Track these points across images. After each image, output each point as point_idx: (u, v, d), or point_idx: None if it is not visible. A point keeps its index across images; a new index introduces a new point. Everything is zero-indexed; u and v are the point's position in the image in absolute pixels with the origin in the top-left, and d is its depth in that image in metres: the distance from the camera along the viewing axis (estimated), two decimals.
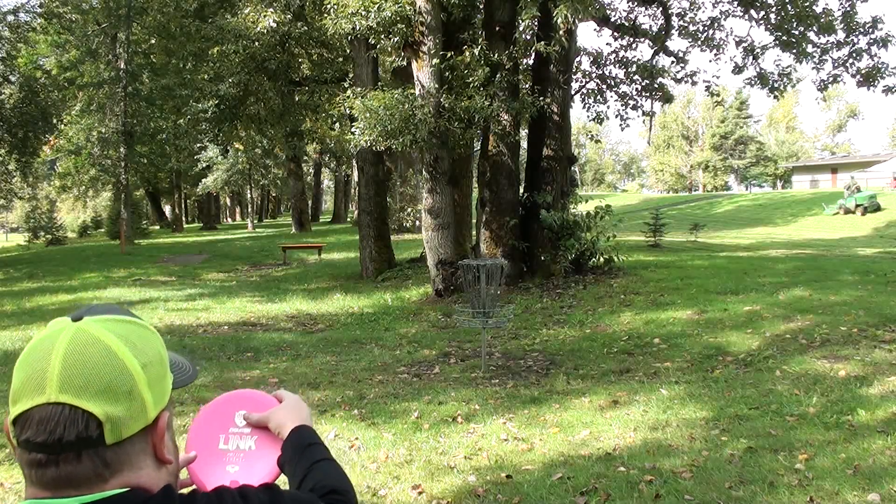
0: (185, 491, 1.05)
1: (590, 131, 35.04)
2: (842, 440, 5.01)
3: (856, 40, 15.38)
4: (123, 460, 0.92)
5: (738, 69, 17.14)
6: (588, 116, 18.76)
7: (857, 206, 32.12)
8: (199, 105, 20.10)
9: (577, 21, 13.00)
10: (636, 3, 16.94)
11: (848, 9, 15.13)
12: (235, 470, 1.25)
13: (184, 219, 50.92)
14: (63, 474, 0.88)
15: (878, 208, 32.09)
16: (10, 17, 24.68)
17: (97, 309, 1.00)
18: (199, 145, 35.94)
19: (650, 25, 17.27)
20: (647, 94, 17.88)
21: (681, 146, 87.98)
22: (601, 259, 14.06)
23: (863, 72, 15.47)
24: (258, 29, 16.03)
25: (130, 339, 0.96)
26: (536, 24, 13.71)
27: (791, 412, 5.68)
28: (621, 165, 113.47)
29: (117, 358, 0.92)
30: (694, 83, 18.29)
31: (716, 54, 17.43)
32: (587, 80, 17.92)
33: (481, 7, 14.42)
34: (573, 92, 16.32)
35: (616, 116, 18.71)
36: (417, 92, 12.62)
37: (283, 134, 26.03)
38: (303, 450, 1.23)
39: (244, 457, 1.29)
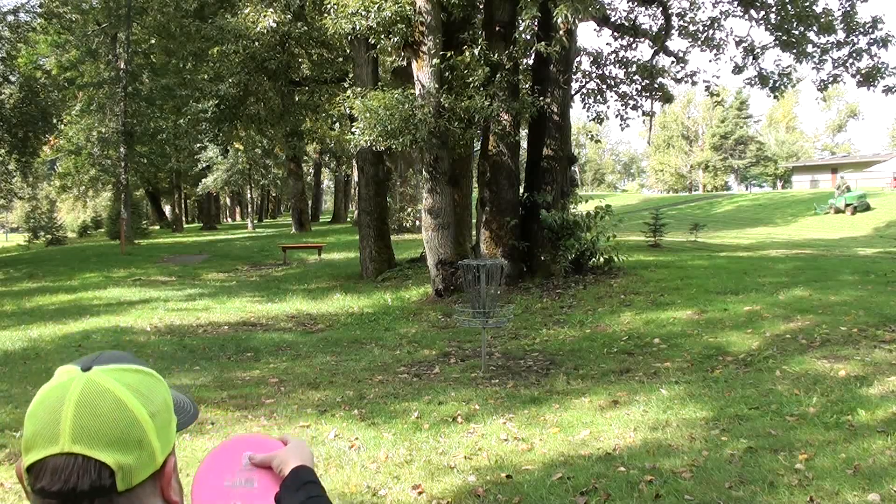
0: None
1: (590, 131, 35.05)
2: (842, 440, 5.01)
3: (856, 40, 15.36)
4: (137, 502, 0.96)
5: (738, 69, 17.12)
6: (588, 116, 18.76)
7: (847, 205, 32.40)
8: (199, 105, 20.10)
9: (577, 21, 13.00)
10: (636, 3, 16.93)
11: (848, 9, 15.12)
12: None
13: (184, 219, 50.93)
14: None
15: (867, 208, 32.33)
16: (10, 17, 24.68)
17: (105, 358, 1.01)
18: (199, 145, 35.94)
19: (650, 25, 17.27)
20: (647, 94, 17.88)
21: (681, 146, 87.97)
22: (601, 259, 14.06)
23: (863, 72, 15.46)
24: (258, 29, 16.03)
25: (139, 390, 0.98)
26: (536, 24, 13.71)
27: (791, 412, 5.68)
28: (621, 165, 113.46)
29: (127, 409, 0.95)
30: (694, 83, 18.28)
31: (716, 54, 17.42)
32: (587, 80, 17.91)
33: (481, 7, 14.42)
34: (573, 92, 16.31)
35: (616, 116, 18.74)
36: (417, 92, 12.62)
37: (283, 134, 26.01)
38: (299, 486, 1.27)
39: (247, 494, 1.34)
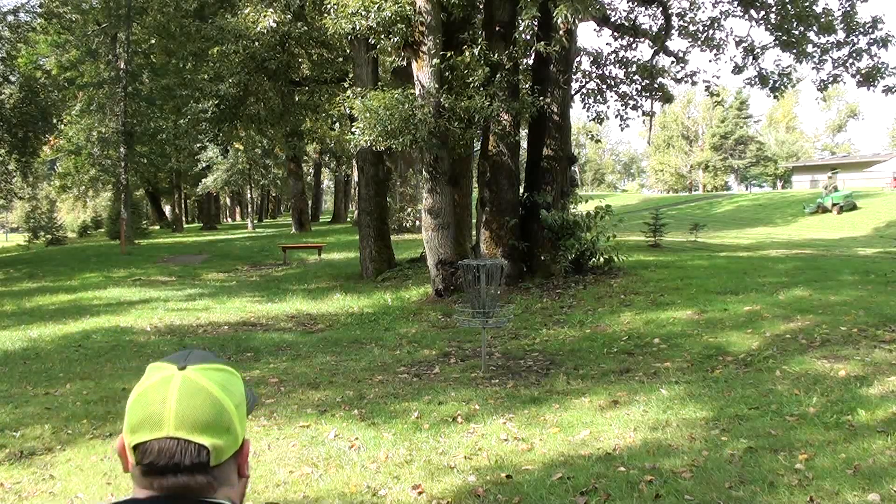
0: None
1: (590, 131, 35.09)
2: (842, 440, 5.01)
3: (856, 40, 15.36)
4: (223, 476, 1.19)
5: (738, 69, 17.12)
6: (588, 116, 18.76)
7: (834, 204, 32.72)
8: (199, 105, 20.09)
9: (577, 21, 13.01)
10: (636, 3, 16.93)
11: (848, 9, 15.11)
12: None
13: (184, 219, 50.92)
14: (180, 483, 1.14)
15: (853, 207, 32.67)
16: (10, 17, 24.68)
17: (195, 357, 1.22)
18: (198, 145, 35.92)
19: (650, 25, 17.27)
20: (647, 94, 17.88)
21: (681, 146, 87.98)
22: (601, 259, 14.05)
23: (863, 72, 15.45)
24: (258, 29, 16.02)
25: (224, 385, 1.20)
26: (536, 24, 13.70)
27: (791, 412, 5.68)
28: (621, 165, 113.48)
29: (218, 402, 1.17)
30: (694, 83, 18.27)
31: (716, 54, 17.41)
32: (587, 79, 17.91)
33: (481, 7, 14.42)
34: (573, 92, 16.30)
35: (616, 116, 18.69)
36: (417, 92, 12.62)
37: (283, 134, 26.02)
38: None
39: None
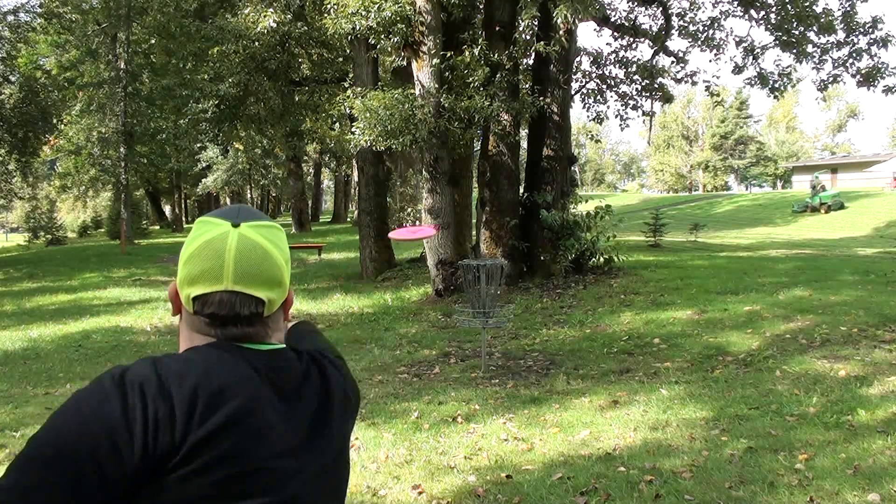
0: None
1: (590, 131, 35.08)
2: (842, 440, 5.01)
3: (856, 40, 15.37)
4: (274, 323, 1.31)
5: (738, 69, 17.13)
6: (588, 116, 18.76)
7: (822, 204, 33.26)
8: (199, 105, 20.09)
9: (576, 21, 13.00)
10: (636, 3, 16.94)
11: (848, 9, 15.13)
12: None
13: (184, 219, 50.88)
14: (241, 331, 1.24)
15: (841, 206, 33.20)
16: (10, 17, 24.67)
17: (246, 212, 1.30)
18: (199, 145, 35.92)
19: (650, 25, 17.28)
20: (647, 94, 17.88)
21: (681, 146, 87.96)
22: (601, 259, 14.05)
23: (863, 72, 15.47)
24: (258, 29, 16.01)
25: (276, 242, 1.28)
26: (536, 24, 13.70)
27: (791, 412, 5.68)
28: (621, 165, 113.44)
29: (272, 257, 1.26)
30: (694, 83, 18.29)
31: (716, 54, 17.43)
32: (587, 80, 17.92)
33: (481, 7, 14.42)
34: (573, 92, 16.30)
35: (616, 116, 18.74)
36: (417, 92, 12.61)
37: (283, 134, 25.99)
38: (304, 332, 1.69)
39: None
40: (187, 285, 1.23)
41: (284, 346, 1.31)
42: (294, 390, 1.27)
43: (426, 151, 12.83)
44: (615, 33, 17.17)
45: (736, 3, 16.37)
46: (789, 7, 15.14)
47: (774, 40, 15.98)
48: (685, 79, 18.12)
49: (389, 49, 13.14)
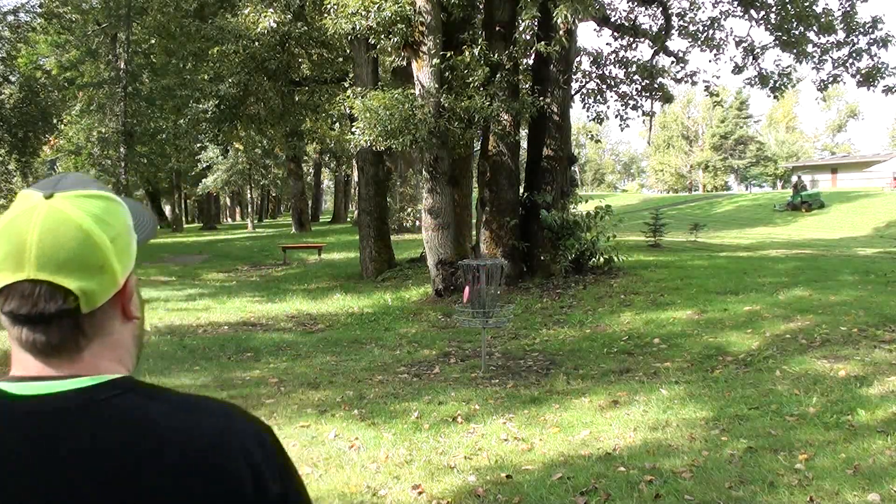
0: None
1: (590, 131, 35.12)
2: (842, 440, 5.01)
3: (856, 40, 15.37)
4: (97, 325, 1.01)
5: (738, 69, 17.13)
6: (588, 116, 18.75)
7: (803, 202, 34.15)
8: (200, 105, 20.09)
9: (577, 21, 13.00)
10: (636, 4, 16.94)
11: (848, 9, 15.13)
12: None
13: (184, 219, 50.90)
14: (46, 341, 0.98)
15: (821, 206, 33.93)
16: (10, 17, 24.68)
17: (67, 182, 1.03)
18: (199, 145, 35.91)
19: (650, 25, 17.27)
20: (647, 94, 17.88)
21: (681, 146, 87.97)
22: (601, 259, 14.05)
23: (863, 72, 15.47)
24: (258, 29, 16.02)
25: (99, 216, 1.00)
26: (536, 24, 13.70)
27: (791, 412, 5.68)
28: (621, 165, 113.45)
29: (88, 237, 0.98)
30: (694, 83, 18.28)
31: (716, 54, 17.42)
32: (587, 80, 17.90)
33: (481, 7, 14.42)
34: (573, 92, 16.30)
35: (616, 116, 18.68)
36: (417, 92, 12.62)
37: (283, 134, 25.98)
38: None
39: None
40: None
41: (99, 380, 1.00)
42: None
43: (426, 151, 12.83)
44: (615, 33, 17.17)
45: (736, 3, 16.36)
46: (789, 7, 15.14)
47: (774, 40, 15.99)
48: (685, 79, 18.12)
49: (389, 49, 13.14)
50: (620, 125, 18.81)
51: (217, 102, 18.59)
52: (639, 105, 18.15)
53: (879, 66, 15.31)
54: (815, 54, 15.83)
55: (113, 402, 0.99)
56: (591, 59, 17.87)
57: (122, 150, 27.55)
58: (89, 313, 1.00)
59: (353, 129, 12.79)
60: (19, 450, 0.95)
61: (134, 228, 1.08)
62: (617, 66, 17.71)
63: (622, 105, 18.15)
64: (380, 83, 15.03)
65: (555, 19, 11.48)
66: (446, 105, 12.23)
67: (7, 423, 0.97)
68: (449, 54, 12.25)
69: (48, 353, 1.00)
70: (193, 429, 0.99)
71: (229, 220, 68.08)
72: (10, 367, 1.03)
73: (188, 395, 1.06)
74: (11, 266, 0.96)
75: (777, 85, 16.90)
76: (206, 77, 19.70)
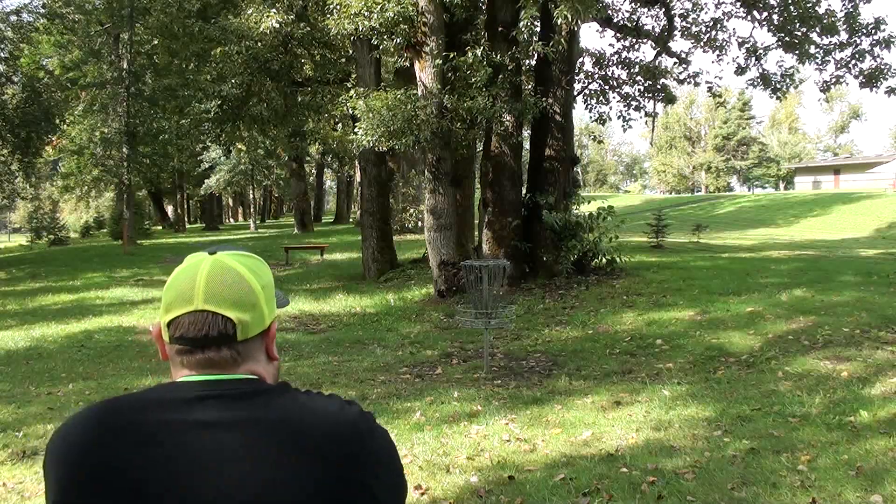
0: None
1: (592, 132, 35.05)
2: (844, 441, 5.00)
3: (858, 41, 15.36)
4: (249, 352, 1.24)
5: (740, 70, 17.12)
6: (590, 117, 18.75)
7: None
8: (202, 105, 20.10)
9: (578, 22, 13.00)
10: (639, 4, 16.93)
11: (850, 10, 15.11)
12: None
13: (186, 219, 50.89)
14: (208, 358, 1.20)
15: None
16: (13, 18, 24.70)
17: (226, 247, 1.29)
18: (201, 146, 35.94)
19: (653, 26, 17.26)
20: (650, 95, 17.87)
21: (683, 147, 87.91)
22: (603, 260, 14.05)
23: (865, 73, 15.45)
24: (261, 30, 16.01)
25: (252, 268, 1.27)
26: (539, 25, 13.70)
27: (793, 413, 5.68)
28: (624, 166, 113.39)
29: (245, 280, 1.23)
30: (696, 84, 18.28)
31: (718, 55, 17.41)
32: (590, 80, 17.91)
33: (483, 8, 14.42)
34: (576, 93, 16.30)
35: (618, 117, 18.65)
36: (420, 92, 12.63)
37: (286, 135, 26.01)
38: None
39: None
40: (164, 313, 1.24)
41: (252, 376, 1.23)
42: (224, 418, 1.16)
43: (428, 152, 12.84)
44: (618, 34, 17.16)
45: (738, 4, 16.36)
46: (792, 8, 15.13)
47: (777, 41, 15.97)
48: (688, 80, 18.12)
49: (392, 50, 13.16)
50: (623, 126, 18.80)
51: (219, 103, 18.59)
52: (641, 106, 18.15)
53: (882, 67, 15.29)
54: (817, 55, 15.82)
55: (272, 388, 1.24)
56: (594, 59, 17.87)
57: (124, 150, 27.54)
58: (243, 342, 1.22)
59: (356, 130, 12.79)
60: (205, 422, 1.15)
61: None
62: (619, 66, 17.72)
63: (625, 106, 18.15)
64: (382, 84, 15.04)
65: (556, 20, 11.49)
66: (449, 106, 12.23)
67: (190, 397, 1.17)
68: (451, 55, 12.26)
69: (207, 367, 1.21)
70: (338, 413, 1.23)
71: (232, 220, 68.13)
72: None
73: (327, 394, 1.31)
74: (182, 303, 1.20)
75: (779, 86, 16.88)
76: (208, 77, 19.69)
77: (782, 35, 15.64)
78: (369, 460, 1.20)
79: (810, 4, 14.93)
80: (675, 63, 17.51)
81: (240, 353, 1.23)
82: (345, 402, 1.27)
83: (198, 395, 1.17)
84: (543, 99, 13.24)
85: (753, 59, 16.85)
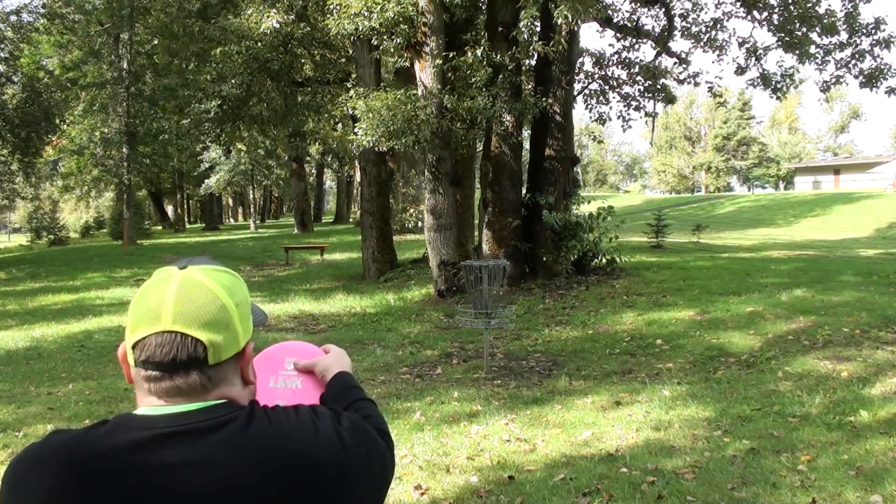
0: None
1: (592, 132, 35.04)
2: (844, 441, 5.00)
3: (858, 41, 15.36)
4: (221, 377, 1.16)
5: (740, 70, 17.11)
6: (590, 117, 18.74)
7: None
8: (202, 105, 20.10)
9: (578, 22, 12.99)
10: (639, 4, 16.92)
11: (850, 10, 15.11)
12: (283, 405, 1.39)
13: (186, 219, 50.90)
14: (175, 385, 1.12)
15: None
16: (13, 18, 24.70)
17: (198, 261, 1.22)
18: (201, 146, 35.95)
19: (653, 26, 17.25)
20: (650, 95, 17.86)
21: (683, 147, 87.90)
22: (603, 260, 14.05)
23: (865, 73, 15.46)
24: (261, 30, 16.01)
25: (226, 284, 1.18)
26: (539, 25, 13.70)
27: (793, 413, 5.68)
28: (624, 166, 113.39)
29: (217, 298, 1.15)
30: (696, 84, 18.26)
31: (718, 55, 17.41)
32: (590, 80, 17.90)
33: (483, 8, 14.42)
34: (576, 93, 16.30)
35: (618, 117, 18.64)
36: (420, 92, 12.63)
37: (286, 134, 26.02)
38: (346, 390, 1.45)
39: (291, 394, 1.49)
40: (129, 333, 1.15)
41: (222, 400, 1.15)
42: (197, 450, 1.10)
43: (429, 152, 12.84)
44: (618, 34, 17.16)
45: (738, 4, 16.35)
46: (792, 8, 15.13)
47: (777, 41, 15.97)
48: (688, 80, 18.11)
49: (392, 50, 13.17)
50: (623, 126, 18.80)
51: (220, 103, 18.59)
52: (641, 106, 18.15)
53: (882, 67, 15.30)
54: (817, 55, 15.82)
55: (240, 416, 1.15)
56: (594, 59, 17.86)
57: (124, 150, 27.58)
58: (215, 366, 1.14)
59: (356, 130, 12.79)
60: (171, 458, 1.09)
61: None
62: (619, 66, 17.71)
63: (625, 106, 18.15)
64: (382, 84, 15.03)
65: (556, 20, 11.49)
66: (449, 106, 12.23)
67: (154, 434, 1.10)
68: (451, 55, 12.26)
69: (175, 396, 1.13)
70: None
71: (232, 220, 68.12)
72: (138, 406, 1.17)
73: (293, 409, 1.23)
74: (148, 322, 1.12)
75: (779, 86, 16.88)
76: (208, 77, 19.69)
77: (782, 35, 15.63)
78: (350, 479, 1.17)
79: (810, 4, 14.93)
80: (675, 63, 17.52)
81: (211, 378, 1.14)
82: (316, 418, 1.20)
83: (162, 432, 1.09)
84: (543, 99, 13.24)
85: (753, 59, 16.85)
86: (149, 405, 1.14)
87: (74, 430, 1.13)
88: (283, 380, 1.51)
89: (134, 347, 1.13)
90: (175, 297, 1.12)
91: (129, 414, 1.14)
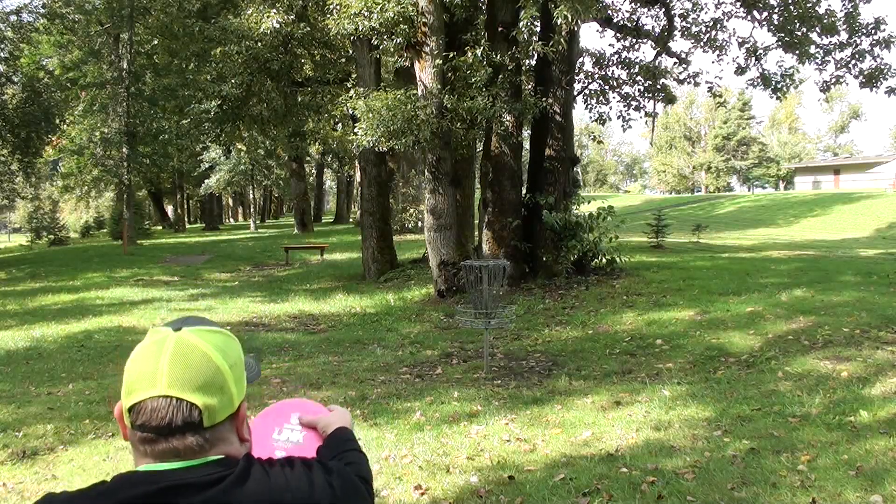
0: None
1: (592, 132, 35.05)
2: (844, 441, 5.00)
3: (858, 41, 15.36)
4: (217, 438, 1.18)
5: (740, 70, 17.12)
6: (590, 117, 18.75)
7: None
8: (202, 105, 20.10)
9: (578, 22, 12.99)
10: (639, 5, 16.93)
11: (850, 10, 15.11)
12: (282, 455, 1.45)
13: (186, 219, 50.92)
14: (171, 447, 1.14)
15: None
16: (13, 18, 24.70)
17: (191, 321, 1.23)
18: (201, 146, 35.96)
19: (653, 26, 17.25)
20: (650, 95, 17.86)
21: (683, 147, 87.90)
22: (603, 260, 14.05)
23: (865, 73, 15.46)
24: (261, 30, 16.02)
25: (219, 346, 1.20)
26: (539, 25, 13.70)
27: (793, 413, 5.68)
28: (624, 166, 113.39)
29: (211, 361, 1.17)
30: (696, 84, 18.27)
31: (718, 55, 17.41)
32: (590, 80, 17.91)
33: (483, 8, 14.42)
34: (576, 93, 16.30)
35: (618, 117, 18.65)
36: (420, 92, 12.63)
37: (286, 134, 26.01)
38: (341, 442, 1.51)
39: (291, 447, 1.56)
40: (125, 395, 1.17)
41: (220, 456, 1.19)
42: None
43: (428, 152, 12.84)
44: (618, 34, 17.16)
45: (738, 4, 16.36)
46: (792, 8, 15.14)
47: (777, 41, 15.97)
48: (688, 80, 18.11)
49: (392, 50, 13.16)
50: (623, 126, 18.80)
51: (219, 103, 18.59)
52: (641, 106, 18.15)
53: (882, 67, 15.30)
54: (817, 55, 15.82)
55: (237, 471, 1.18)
56: (594, 59, 17.87)
57: (124, 150, 27.57)
58: (210, 427, 1.17)
59: (356, 130, 12.80)
60: None
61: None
62: (619, 66, 17.71)
63: (625, 106, 18.15)
64: (382, 84, 15.04)
65: (556, 20, 11.49)
66: (449, 106, 12.24)
67: (160, 487, 1.13)
68: (451, 55, 12.26)
69: (172, 458, 1.15)
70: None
71: (232, 220, 68.14)
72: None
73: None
74: (145, 385, 1.14)
75: (779, 86, 16.88)
76: (208, 77, 19.69)
77: (782, 35, 15.63)
78: None
79: (810, 4, 14.93)
80: (675, 63, 17.52)
81: (207, 439, 1.17)
82: (309, 471, 1.26)
83: (169, 484, 1.13)
84: (543, 99, 13.24)
85: (753, 59, 16.85)
86: (145, 465, 1.17)
87: (68, 493, 1.16)
88: (287, 433, 1.59)
89: (130, 410, 1.15)
90: (170, 361, 1.15)
91: (130, 471, 1.16)
